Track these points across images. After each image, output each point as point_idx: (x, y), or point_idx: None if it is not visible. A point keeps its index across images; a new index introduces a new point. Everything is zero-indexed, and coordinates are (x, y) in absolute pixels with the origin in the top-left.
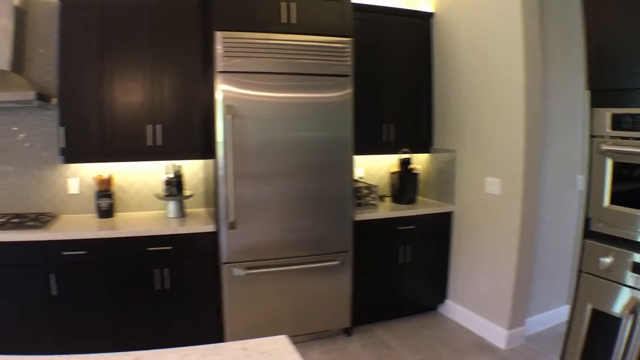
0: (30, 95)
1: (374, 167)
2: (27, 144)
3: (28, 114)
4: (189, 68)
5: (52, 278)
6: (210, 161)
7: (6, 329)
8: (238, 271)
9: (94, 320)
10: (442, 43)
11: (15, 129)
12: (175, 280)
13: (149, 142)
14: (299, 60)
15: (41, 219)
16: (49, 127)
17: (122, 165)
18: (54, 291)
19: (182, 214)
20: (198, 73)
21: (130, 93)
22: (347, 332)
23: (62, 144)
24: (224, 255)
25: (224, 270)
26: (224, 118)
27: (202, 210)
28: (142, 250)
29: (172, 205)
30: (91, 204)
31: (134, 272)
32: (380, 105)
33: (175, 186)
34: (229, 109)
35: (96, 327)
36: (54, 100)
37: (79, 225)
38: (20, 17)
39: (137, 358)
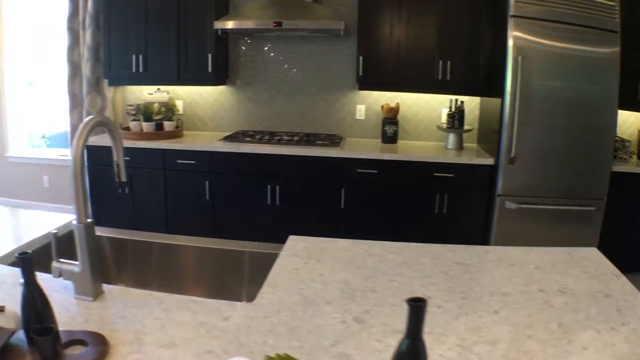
0: (340, 24)
1: (624, 123)
2: (319, 71)
3: (323, 44)
4: (477, 9)
5: (342, 192)
6: (488, 99)
7: (299, 235)
8: (510, 204)
9: (374, 234)
10: None
11: (310, 56)
12: (452, 205)
13: (439, 76)
14: (582, 13)
15: (332, 139)
16: (341, 55)
17: (406, 95)
18: (342, 204)
19: (460, 146)
20: (485, 15)
21: (423, 28)
22: None
23: (360, 72)
24: (499, 188)
25: (497, 202)
26: (514, 60)
27: (474, 145)
28: (428, 175)
29: (451, 137)
30: (375, 129)
31: (418, 194)
32: (632, 62)
33: (457, 120)
34: (519, 51)
35: (376, 238)
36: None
37: (368, 148)
38: None
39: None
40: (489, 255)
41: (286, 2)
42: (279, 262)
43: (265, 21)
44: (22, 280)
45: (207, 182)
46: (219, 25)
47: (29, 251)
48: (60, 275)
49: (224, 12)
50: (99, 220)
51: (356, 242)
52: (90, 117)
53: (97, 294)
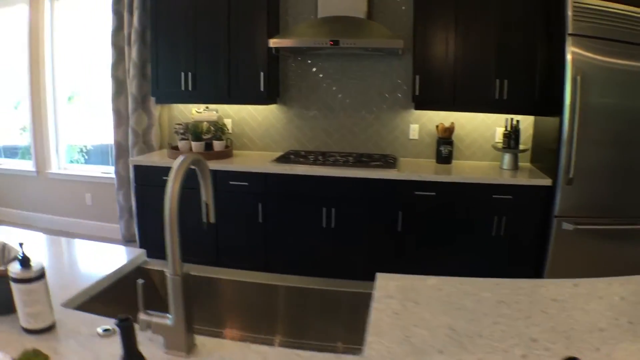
0: (399, 43)
1: None
2: (371, 89)
3: (375, 62)
4: (533, 27)
5: (400, 215)
6: (542, 118)
7: (354, 258)
8: (567, 225)
9: (431, 258)
10: None
11: (362, 74)
12: (509, 227)
13: (496, 96)
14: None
15: (386, 160)
16: (394, 74)
17: (460, 115)
18: (399, 227)
19: (515, 166)
20: (541, 32)
21: (479, 46)
22: None
23: (417, 92)
24: (556, 209)
25: (554, 223)
26: (573, 78)
27: (527, 164)
28: (487, 197)
29: (507, 157)
30: (429, 149)
31: (476, 216)
32: None
33: (513, 139)
34: (577, 69)
35: (433, 262)
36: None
37: (423, 169)
38: None
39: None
40: (578, 289)
41: (341, 20)
42: (376, 305)
43: (321, 39)
44: (99, 330)
45: (260, 205)
46: (274, 43)
47: (129, 316)
48: (148, 328)
49: (274, 30)
50: (146, 242)
51: (446, 280)
52: (183, 157)
53: (190, 348)
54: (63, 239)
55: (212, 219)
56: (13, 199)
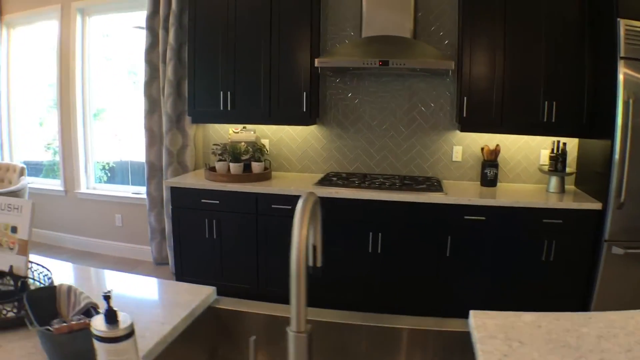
0: (450, 64)
1: None
2: (415, 110)
3: (417, 82)
4: (579, 49)
5: (449, 240)
6: (588, 140)
7: (403, 283)
8: (616, 249)
9: (479, 284)
10: None
11: (404, 95)
12: (559, 252)
13: (544, 118)
14: None
15: (431, 183)
16: (437, 95)
17: (504, 137)
18: (448, 252)
19: (562, 189)
20: (587, 55)
21: (526, 68)
22: None
23: (464, 113)
24: (606, 233)
25: (604, 247)
26: (625, 102)
27: (572, 187)
28: (537, 222)
29: (553, 180)
30: (472, 172)
31: (527, 241)
32: None
33: (560, 162)
34: (629, 92)
35: (476, 291)
36: None
37: (470, 192)
38: None
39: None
40: None
41: (388, 40)
42: (481, 347)
43: (370, 59)
44: None
45: None
46: (320, 62)
47: None
48: None
49: (316, 49)
50: (181, 266)
51: (541, 316)
52: (304, 198)
53: None
54: (121, 275)
55: (319, 263)
56: (41, 219)
